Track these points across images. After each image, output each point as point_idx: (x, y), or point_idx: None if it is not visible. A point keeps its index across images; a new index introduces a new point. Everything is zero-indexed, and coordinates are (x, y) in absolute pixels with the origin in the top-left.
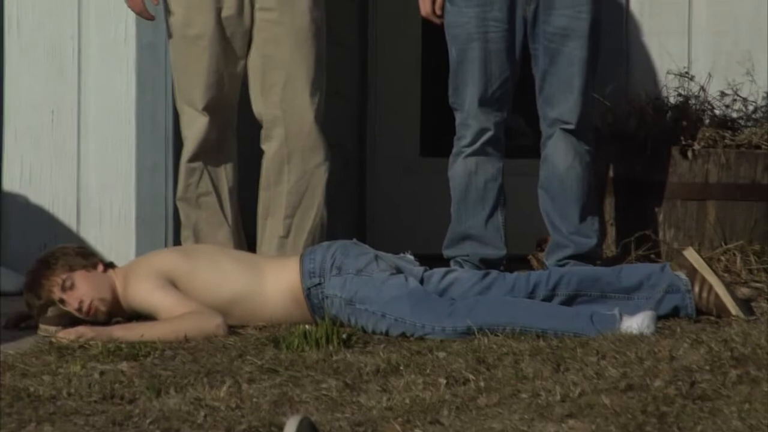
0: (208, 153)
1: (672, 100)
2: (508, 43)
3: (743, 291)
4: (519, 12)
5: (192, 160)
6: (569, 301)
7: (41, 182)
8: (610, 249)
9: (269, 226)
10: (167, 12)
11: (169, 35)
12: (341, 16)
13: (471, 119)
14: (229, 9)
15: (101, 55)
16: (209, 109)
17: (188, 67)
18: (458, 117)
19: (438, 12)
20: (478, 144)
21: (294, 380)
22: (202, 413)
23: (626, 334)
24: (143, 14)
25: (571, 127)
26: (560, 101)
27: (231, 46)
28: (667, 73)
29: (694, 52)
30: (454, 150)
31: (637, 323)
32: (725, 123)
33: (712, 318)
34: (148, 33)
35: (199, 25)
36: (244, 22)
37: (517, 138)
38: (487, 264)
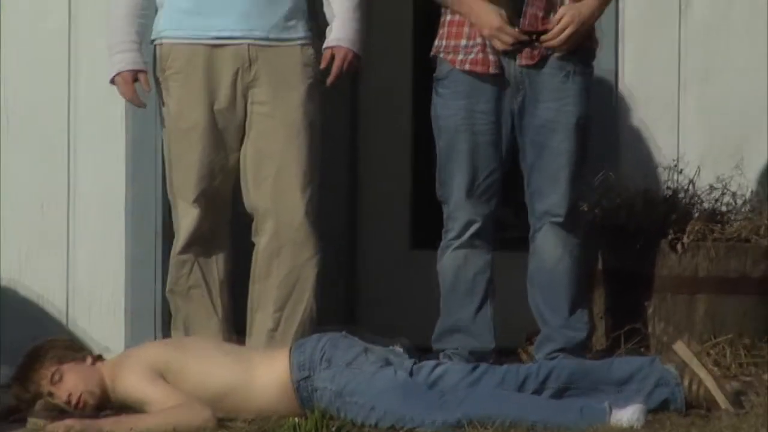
0: (200, 245)
1: (662, 192)
2: (495, 135)
3: (733, 384)
4: (506, 104)
5: (183, 252)
6: (559, 394)
7: (31, 274)
8: (600, 342)
9: (259, 319)
10: (161, 104)
11: (162, 126)
12: (332, 109)
13: (458, 211)
14: (222, 102)
15: (92, 147)
16: (201, 201)
17: (181, 159)
18: (446, 209)
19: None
20: (466, 236)
21: None
22: None
23: (616, 426)
24: (134, 101)
25: (559, 220)
26: (548, 194)
27: (223, 139)
28: (657, 166)
29: (683, 145)
30: (443, 243)
31: (627, 416)
32: (715, 216)
33: (702, 411)
34: (139, 125)
35: (192, 117)
36: (237, 115)
37: (506, 230)
38: (476, 357)
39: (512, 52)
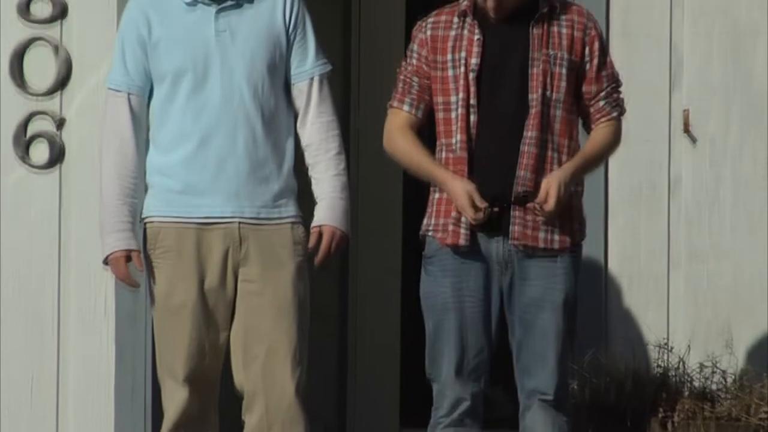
0: (189, 425)
1: (652, 371)
2: (484, 313)
3: None
4: (495, 282)
5: None
6: None
7: None
8: None
9: None
10: (151, 282)
11: (152, 305)
12: (321, 287)
13: (447, 389)
14: (212, 280)
15: (80, 325)
16: (190, 380)
17: (170, 337)
18: (435, 387)
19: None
20: (455, 414)
21: None
22: None
23: None
24: (128, 281)
25: (548, 398)
26: (537, 372)
27: (213, 318)
28: (646, 344)
29: (672, 323)
30: (432, 421)
31: None
32: (704, 395)
33: None
34: (128, 303)
35: (181, 295)
36: (227, 293)
37: (496, 409)
38: None
39: (488, 226)
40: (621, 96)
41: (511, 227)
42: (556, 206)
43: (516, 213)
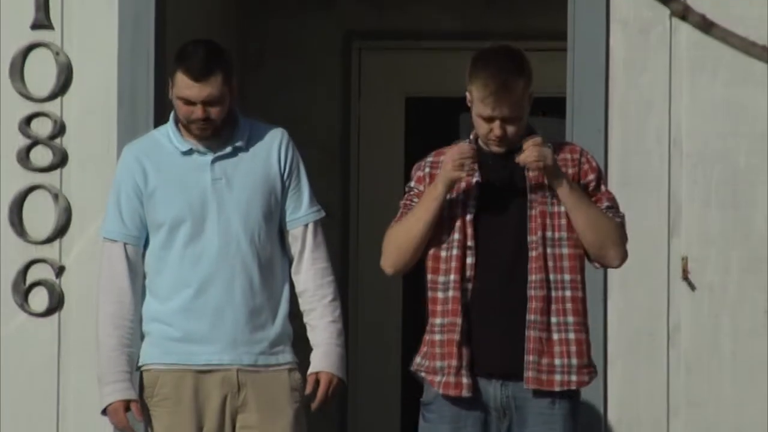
0: None
1: None
2: None
3: None
4: (493, 429)
5: None
6: None
7: None
8: None
9: None
10: (149, 430)
11: None
12: (318, 421)
13: None
14: (210, 428)
15: None
16: None
17: None
18: None
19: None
20: None
21: None
22: None
23: None
24: (126, 431)
25: None
26: None
27: None
28: None
29: None
30: None
31: None
32: None
33: None
34: None
35: None
36: None
37: None
38: None
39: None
40: (622, 217)
41: (525, 373)
42: (541, 146)
43: (530, 358)
